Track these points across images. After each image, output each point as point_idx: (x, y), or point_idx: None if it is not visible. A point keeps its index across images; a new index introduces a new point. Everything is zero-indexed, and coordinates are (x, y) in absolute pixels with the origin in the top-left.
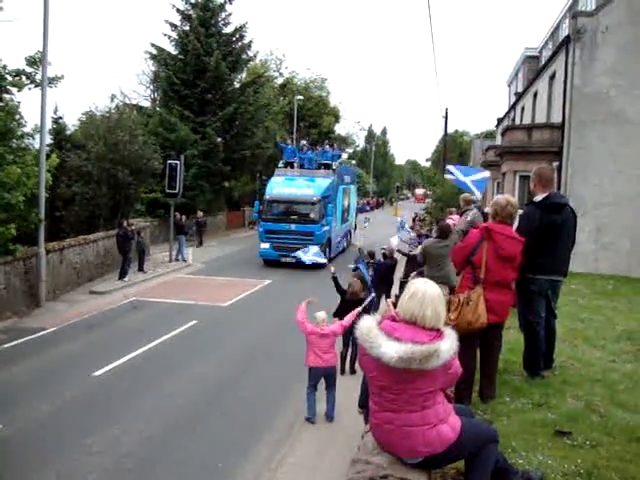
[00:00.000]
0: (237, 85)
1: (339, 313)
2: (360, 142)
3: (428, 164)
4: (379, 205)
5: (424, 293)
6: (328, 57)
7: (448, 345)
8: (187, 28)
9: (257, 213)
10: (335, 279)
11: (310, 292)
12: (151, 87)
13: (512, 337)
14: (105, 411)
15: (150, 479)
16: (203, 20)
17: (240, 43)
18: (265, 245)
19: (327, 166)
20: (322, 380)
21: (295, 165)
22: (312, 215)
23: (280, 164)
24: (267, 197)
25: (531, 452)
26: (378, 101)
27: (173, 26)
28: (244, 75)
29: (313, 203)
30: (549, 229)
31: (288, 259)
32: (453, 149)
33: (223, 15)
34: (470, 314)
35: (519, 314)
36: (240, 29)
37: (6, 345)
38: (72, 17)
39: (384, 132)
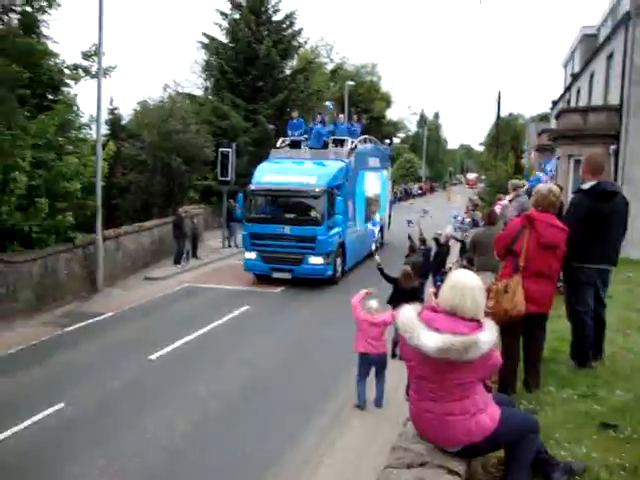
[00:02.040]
0: (288, 72)
1: (393, 301)
2: (412, 127)
3: (482, 148)
4: (432, 190)
5: (464, 284)
6: (379, 42)
7: (488, 336)
8: (237, 16)
9: (240, 210)
10: (381, 270)
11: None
12: (203, 76)
13: (561, 326)
14: (160, 394)
15: (202, 460)
16: (253, 8)
17: (290, 30)
18: (250, 255)
19: (340, 143)
20: (372, 368)
21: (302, 146)
22: (314, 213)
23: (279, 142)
24: (252, 188)
25: (575, 444)
26: (430, 85)
27: (224, 15)
28: (295, 62)
29: (315, 196)
30: (597, 218)
31: (281, 274)
32: (507, 132)
33: (273, 2)
34: (507, 302)
35: (567, 303)
36: (290, 16)
37: (69, 328)
38: (125, 8)
39: (436, 116)
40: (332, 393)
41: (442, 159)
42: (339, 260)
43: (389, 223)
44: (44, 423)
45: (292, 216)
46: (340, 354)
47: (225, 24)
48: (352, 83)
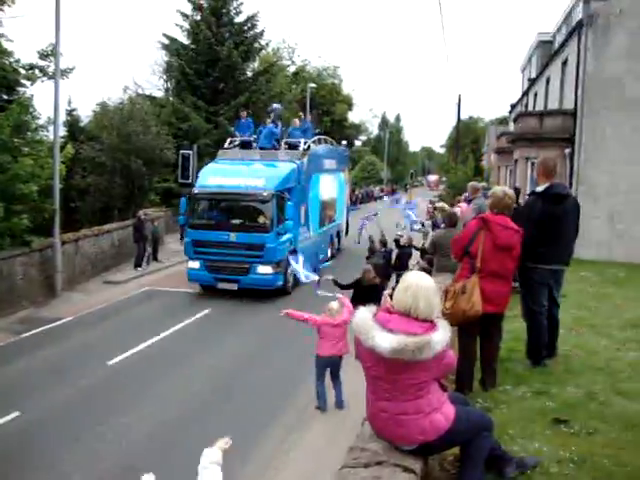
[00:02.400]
0: (249, 74)
1: (354, 300)
2: (374, 129)
3: (443, 150)
4: (393, 192)
5: (417, 285)
6: (340, 45)
7: (441, 336)
8: (199, 18)
9: (183, 216)
10: (335, 281)
11: None
12: (164, 77)
13: (517, 325)
14: (119, 399)
15: (162, 465)
16: (214, 9)
17: (252, 32)
18: (194, 264)
19: (295, 148)
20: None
21: (254, 146)
22: (262, 219)
23: (227, 143)
24: (195, 191)
25: (528, 440)
26: (391, 88)
27: (185, 16)
28: (256, 64)
29: (263, 201)
30: (550, 219)
31: (227, 285)
32: (467, 135)
33: (235, 4)
34: (464, 303)
35: (522, 303)
36: (252, 18)
37: (24, 335)
38: (83, 8)
39: (398, 119)
40: (293, 396)
41: (404, 161)
42: (290, 268)
43: (347, 228)
44: None
45: (238, 222)
46: (299, 357)
47: (186, 25)
48: (314, 86)
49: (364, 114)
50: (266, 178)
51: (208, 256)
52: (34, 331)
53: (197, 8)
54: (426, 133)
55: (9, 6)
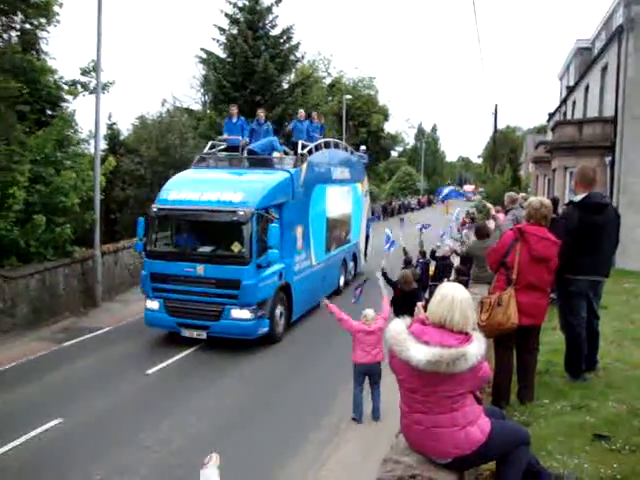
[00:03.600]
0: (285, 86)
1: (394, 305)
2: (410, 140)
3: (480, 161)
4: (429, 203)
5: (453, 297)
6: (376, 55)
7: (476, 349)
8: (235, 32)
9: (140, 242)
10: (385, 274)
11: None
12: (201, 90)
13: (555, 338)
14: (157, 408)
15: (197, 477)
16: (251, 23)
17: (288, 45)
18: (152, 304)
19: (286, 152)
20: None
21: (245, 152)
22: (236, 246)
23: (208, 147)
24: (153, 209)
25: (567, 455)
26: (428, 98)
27: (222, 30)
28: (292, 76)
29: (240, 222)
30: (589, 230)
31: (194, 333)
32: (504, 145)
33: (270, 17)
34: (500, 315)
35: (560, 315)
36: (287, 31)
37: (66, 343)
38: (124, 25)
39: (434, 129)
40: (329, 406)
41: (440, 172)
42: (280, 310)
43: (366, 249)
44: (41, 438)
45: (207, 251)
46: (337, 366)
47: (223, 39)
48: (350, 97)
49: (400, 125)
50: (246, 191)
51: (169, 294)
52: (75, 340)
53: (234, 22)
54: (463, 143)
55: (54, 26)
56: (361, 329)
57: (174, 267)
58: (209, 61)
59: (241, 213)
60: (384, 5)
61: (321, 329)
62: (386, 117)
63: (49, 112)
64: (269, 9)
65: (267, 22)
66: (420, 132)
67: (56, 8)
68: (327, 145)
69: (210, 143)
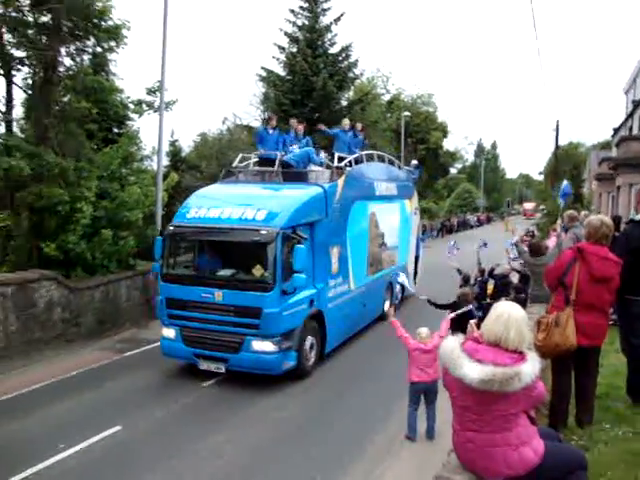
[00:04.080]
0: (344, 103)
1: (452, 323)
2: (469, 157)
3: (541, 177)
4: (489, 220)
5: (509, 315)
6: (434, 72)
7: (530, 368)
8: (295, 50)
9: (158, 262)
10: (429, 301)
11: None
12: (261, 108)
13: (617, 360)
14: (214, 419)
15: None
16: (310, 41)
17: (346, 62)
18: (168, 333)
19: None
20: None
21: (276, 165)
22: (258, 270)
23: (237, 160)
24: (170, 228)
25: None
26: (487, 115)
27: (282, 49)
28: (351, 93)
29: (262, 242)
30: None
31: (212, 365)
32: (567, 161)
33: (329, 36)
34: (558, 336)
35: (620, 337)
36: (346, 49)
37: (127, 354)
38: (189, 45)
39: (494, 146)
40: (383, 423)
41: (500, 189)
42: (310, 341)
43: (416, 270)
44: (101, 445)
45: (226, 274)
46: (393, 383)
47: (283, 58)
48: (408, 114)
49: (459, 142)
50: (272, 208)
51: (185, 322)
52: (136, 351)
53: (293, 41)
54: (524, 159)
55: (122, 48)
56: (417, 347)
57: (190, 292)
58: (269, 79)
59: (264, 232)
60: (443, 22)
61: (364, 356)
62: (445, 134)
63: (116, 130)
64: (328, 27)
65: (326, 40)
66: (480, 149)
67: (124, 31)
68: (370, 158)
69: (240, 155)
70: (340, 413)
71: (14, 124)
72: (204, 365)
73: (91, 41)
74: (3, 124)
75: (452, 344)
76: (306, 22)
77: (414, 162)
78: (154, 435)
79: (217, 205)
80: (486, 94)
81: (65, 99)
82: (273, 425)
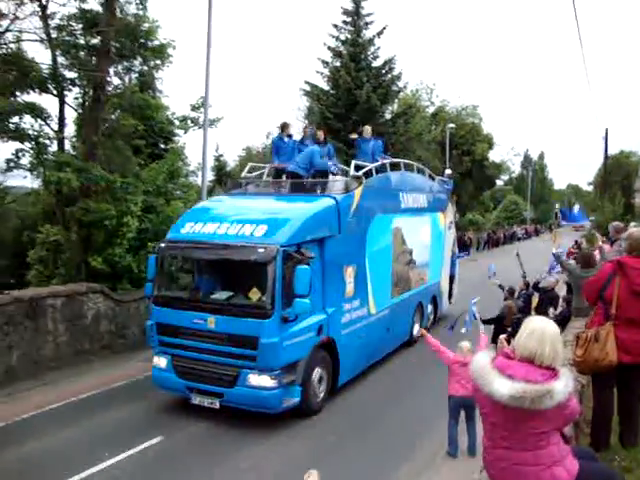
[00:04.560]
0: (388, 116)
1: (496, 338)
2: (515, 168)
3: (590, 188)
4: (537, 232)
5: (543, 330)
6: (479, 83)
7: (563, 386)
8: (338, 64)
9: (150, 283)
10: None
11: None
12: (305, 122)
13: None
14: (253, 431)
15: None
16: (353, 55)
17: (390, 75)
18: (160, 362)
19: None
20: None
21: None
22: (255, 293)
23: (246, 170)
24: (162, 246)
25: None
26: (534, 125)
27: (325, 63)
28: (395, 106)
29: (259, 262)
30: None
31: (206, 401)
32: (617, 171)
33: (372, 49)
34: (597, 351)
35: None
36: (389, 62)
37: None
38: (233, 62)
39: (541, 156)
40: (424, 438)
41: (548, 200)
42: (319, 374)
43: (451, 289)
44: (143, 454)
45: (219, 298)
46: (434, 398)
47: (326, 72)
48: (453, 126)
49: (505, 153)
50: (272, 223)
51: (177, 350)
52: None
53: (337, 55)
54: (572, 170)
55: (168, 66)
56: (457, 361)
57: (182, 317)
58: (313, 93)
59: (261, 250)
60: (487, 32)
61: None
62: (491, 145)
63: (162, 146)
64: (371, 41)
65: (369, 54)
66: (526, 160)
67: (170, 50)
68: (395, 166)
69: (249, 165)
70: (379, 427)
71: (66, 142)
72: (197, 400)
73: (138, 60)
74: (55, 142)
75: (482, 359)
76: (349, 36)
77: (448, 171)
78: (195, 445)
79: (215, 219)
80: (532, 104)
81: (113, 117)
82: (313, 438)
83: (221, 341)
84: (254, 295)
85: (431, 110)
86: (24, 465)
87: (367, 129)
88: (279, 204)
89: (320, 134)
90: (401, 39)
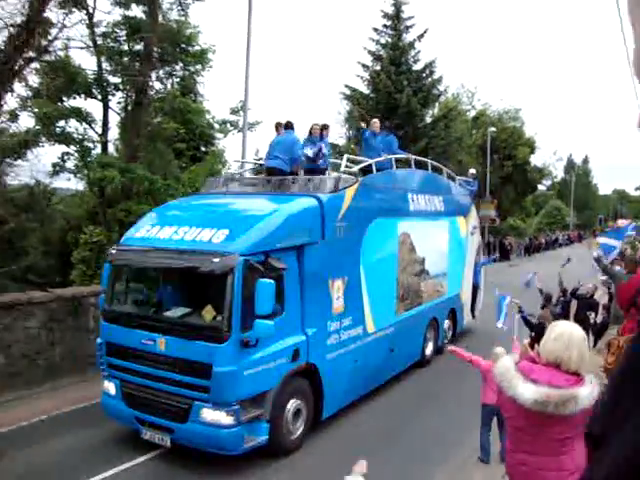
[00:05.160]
0: (428, 120)
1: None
2: (558, 173)
3: (638, 193)
4: (580, 238)
5: (570, 335)
6: (522, 86)
7: (588, 391)
8: (378, 68)
9: (103, 294)
10: (521, 309)
11: None
12: (345, 126)
13: None
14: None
15: None
16: (393, 59)
17: (430, 79)
18: (109, 386)
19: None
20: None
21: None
22: (209, 312)
23: (236, 165)
24: (112, 252)
25: None
26: (578, 128)
27: (365, 67)
28: (435, 110)
29: (215, 274)
30: None
31: (157, 436)
32: None
33: (413, 53)
34: None
35: None
36: (430, 65)
37: None
38: (272, 65)
39: (585, 161)
40: (457, 445)
41: (592, 206)
42: (295, 406)
43: (474, 302)
44: (151, 460)
45: (173, 316)
46: (468, 405)
47: (366, 75)
48: (494, 129)
49: (548, 157)
50: (235, 227)
51: (125, 375)
52: None
53: (377, 59)
54: (618, 175)
55: (208, 71)
56: (490, 368)
57: (130, 336)
58: (353, 97)
59: (216, 260)
60: (528, 35)
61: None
62: (532, 150)
63: (203, 149)
64: (412, 44)
65: (410, 57)
66: (569, 164)
67: (210, 55)
68: (404, 163)
69: (235, 161)
70: (412, 432)
71: (109, 145)
72: (147, 434)
73: (179, 65)
74: (99, 145)
75: (507, 363)
76: (389, 40)
77: (472, 171)
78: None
79: (175, 222)
80: (577, 106)
81: (155, 120)
82: (347, 442)
83: (172, 367)
84: (208, 314)
85: (472, 114)
86: (75, 451)
87: (375, 122)
88: (251, 205)
89: (316, 129)
90: (442, 42)
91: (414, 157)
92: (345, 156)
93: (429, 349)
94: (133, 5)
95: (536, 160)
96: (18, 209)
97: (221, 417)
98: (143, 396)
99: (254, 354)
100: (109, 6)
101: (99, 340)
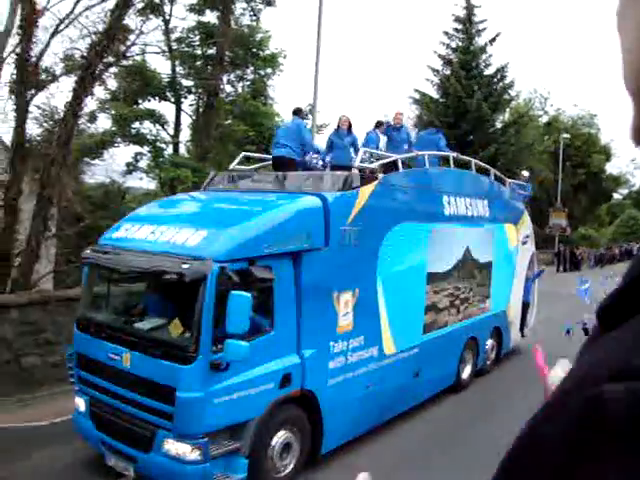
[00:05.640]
0: (499, 126)
1: None
2: (636, 181)
3: None
4: None
5: None
6: (597, 90)
7: None
8: (448, 72)
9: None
10: (586, 330)
11: None
12: (415, 130)
13: None
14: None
15: None
16: (464, 63)
17: (501, 83)
18: (79, 402)
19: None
20: None
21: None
22: (176, 327)
23: (235, 162)
24: (87, 252)
25: None
26: None
27: (435, 71)
28: (506, 115)
29: (185, 282)
30: None
31: (121, 464)
32: None
33: (484, 57)
34: None
35: None
36: (501, 69)
37: None
38: (341, 69)
39: None
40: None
41: None
42: (283, 440)
43: (524, 319)
44: None
45: (142, 328)
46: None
47: (436, 80)
48: (567, 136)
49: (625, 165)
50: (215, 229)
51: (93, 391)
52: None
53: (447, 63)
54: None
55: (278, 75)
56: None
57: (98, 348)
58: (422, 101)
59: (185, 266)
60: (606, 38)
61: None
62: (608, 157)
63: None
64: (483, 49)
65: (481, 62)
66: None
67: (280, 59)
68: (441, 160)
69: (242, 155)
70: (464, 442)
71: (181, 146)
72: (112, 460)
73: (250, 69)
74: (171, 146)
75: (560, 373)
76: (460, 44)
77: (525, 173)
78: None
79: (157, 221)
80: None
81: (225, 122)
82: (398, 446)
83: (136, 387)
84: (175, 329)
85: (544, 119)
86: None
87: (398, 116)
88: (241, 203)
89: (344, 122)
90: (515, 45)
91: (453, 154)
92: (362, 149)
93: (466, 372)
94: (207, 11)
95: (612, 168)
96: (94, 206)
97: (186, 451)
98: (108, 417)
99: (228, 379)
100: (184, 12)
101: (70, 350)
